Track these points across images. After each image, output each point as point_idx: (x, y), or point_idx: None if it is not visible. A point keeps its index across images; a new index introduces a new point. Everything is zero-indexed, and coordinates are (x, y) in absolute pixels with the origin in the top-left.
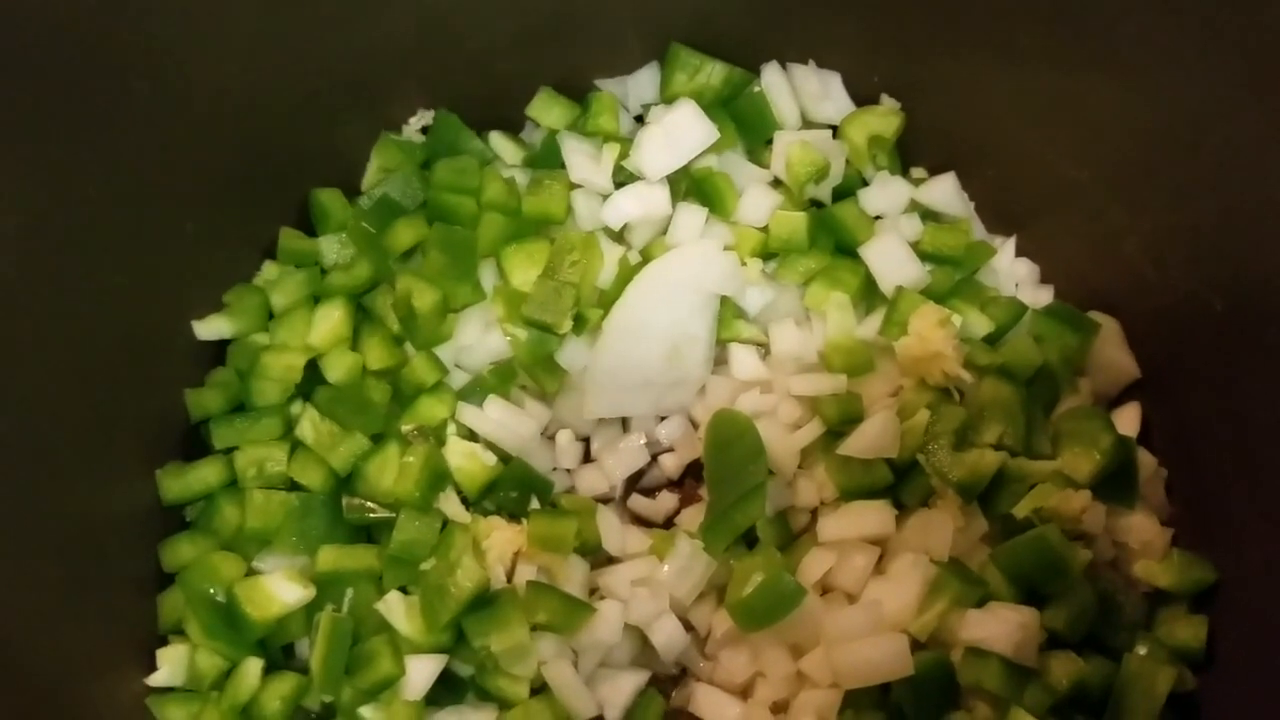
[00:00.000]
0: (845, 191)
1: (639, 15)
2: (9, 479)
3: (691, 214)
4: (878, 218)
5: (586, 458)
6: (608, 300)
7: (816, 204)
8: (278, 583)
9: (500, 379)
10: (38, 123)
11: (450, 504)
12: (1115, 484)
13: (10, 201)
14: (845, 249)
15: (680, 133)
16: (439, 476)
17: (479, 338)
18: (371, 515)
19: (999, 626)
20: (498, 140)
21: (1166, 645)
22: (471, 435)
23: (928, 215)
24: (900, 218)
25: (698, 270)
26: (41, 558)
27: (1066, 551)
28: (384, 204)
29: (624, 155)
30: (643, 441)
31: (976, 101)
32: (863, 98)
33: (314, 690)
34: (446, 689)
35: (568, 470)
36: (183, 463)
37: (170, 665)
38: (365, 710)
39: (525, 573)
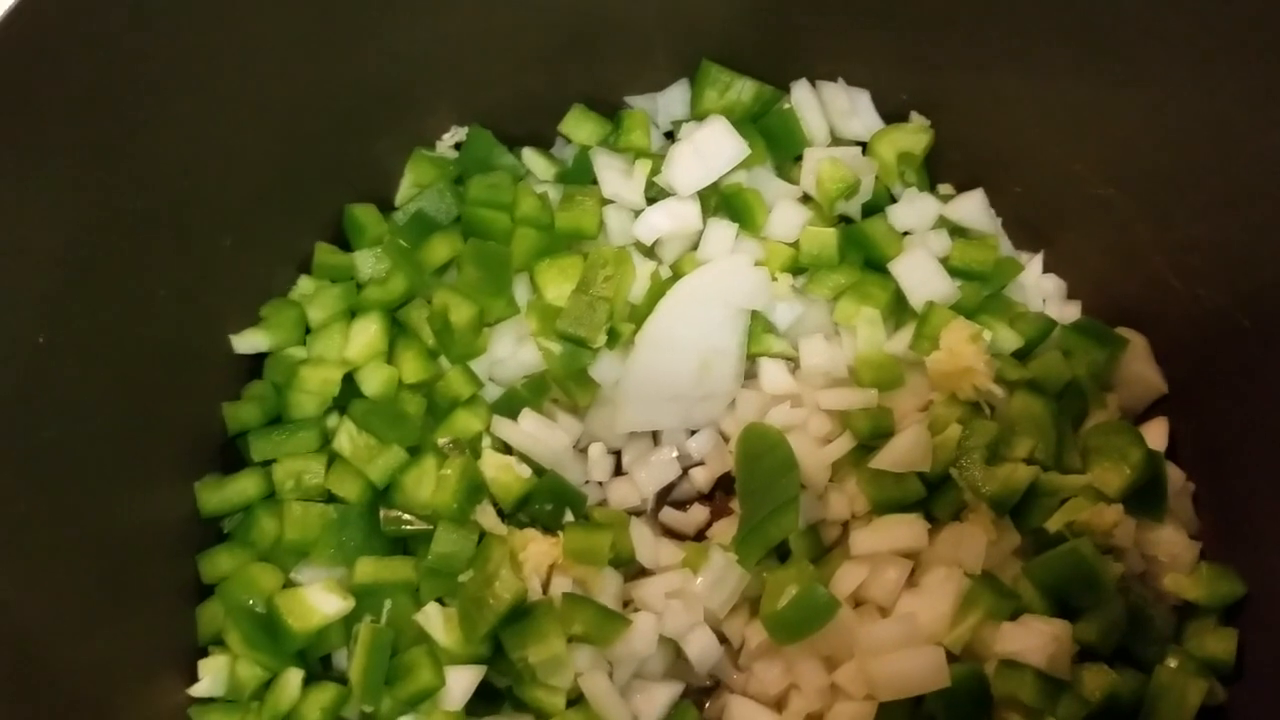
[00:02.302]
0: (873, 208)
1: (669, 33)
2: (50, 490)
3: (722, 229)
4: (906, 234)
5: (618, 471)
6: (639, 315)
7: (845, 220)
8: (318, 594)
9: (533, 392)
10: (81, 140)
11: (486, 516)
12: (1144, 498)
13: (57, 217)
14: (874, 264)
15: (711, 149)
16: (476, 489)
17: (512, 351)
18: (408, 527)
19: (1033, 639)
20: (530, 156)
21: (1196, 658)
22: (505, 448)
23: (955, 231)
24: (929, 234)
25: (728, 285)
26: (82, 569)
27: (1100, 565)
28: (418, 219)
29: (655, 171)
30: (674, 455)
31: (1003, 118)
32: (891, 114)
33: (354, 701)
34: (483, 700)
35: (599, 483)
36: (221, 475)
37: (211, 676)
38: None
39: (560, 585)
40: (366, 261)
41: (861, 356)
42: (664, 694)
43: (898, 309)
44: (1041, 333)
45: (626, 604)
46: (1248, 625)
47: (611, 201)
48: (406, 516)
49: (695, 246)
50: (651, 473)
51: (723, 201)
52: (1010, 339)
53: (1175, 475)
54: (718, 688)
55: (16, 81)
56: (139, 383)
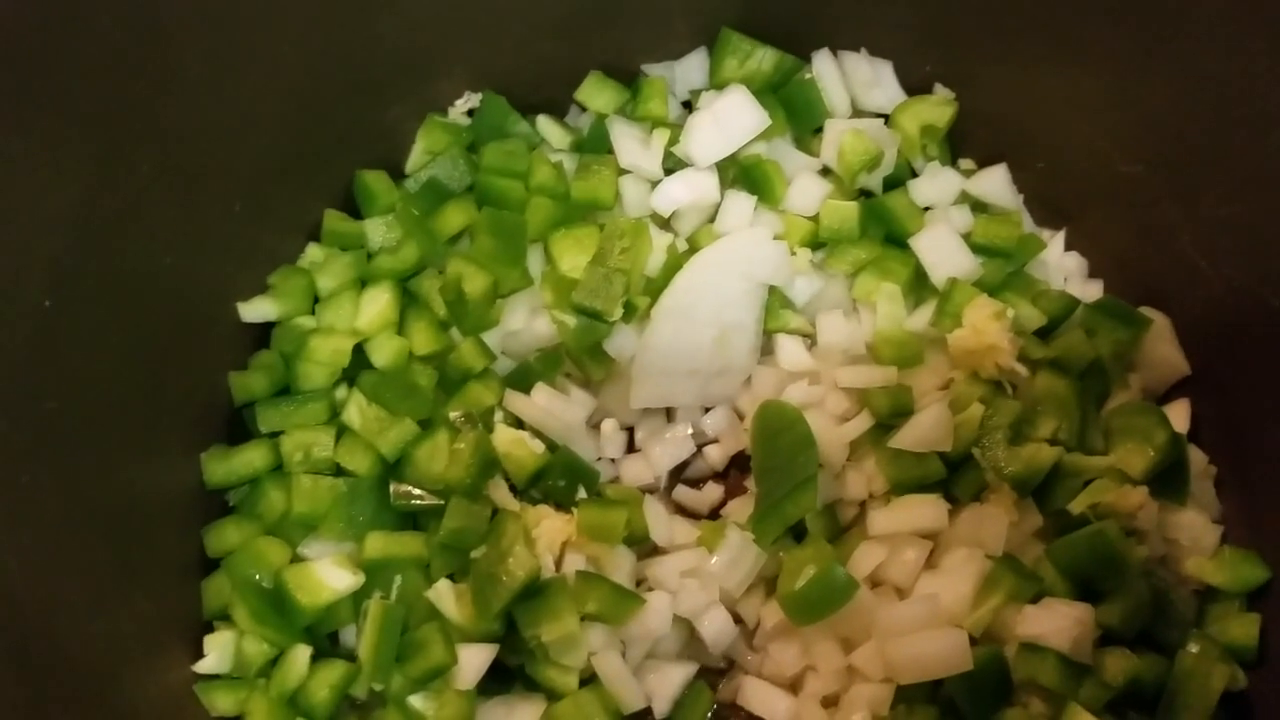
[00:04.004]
0: (894, 181)
1: None
2: (57, 460)
3: (740, 202)
4: (927, 209)
5: (630, 448)
6: (655, 288)
7: (865, 193)
8: (327, 569)
9: (547, 366)
10: (91, 102)
11: (499, 492)
12: (1166, 480)
13: (65, 181)
14: (895, 239)
15: (730, 119)
16: (489, 463)
17: (526, 323)
18: (419, 502)
19: (1055, 622)
20: (544, 124)
21: (1219, 643)
22: (518, 423)
23: (977, 207)
24: (950, 209)
25: (746, 259)
26: (86, 541)
27: (1124, 548)
28: (431, 186)
29: (673, 141)
30: (688, 432)
31: (1028, 92)
32: (914, 87)
33: (363, 678)
34: (494, 678)
35: (612, 460)
36: (227, 446)
37: (217, 652)
38: (415, 699)
39: (573, 562)
40: (377, 229)
41: (881, 333)
42: (678, 674)
43: (918, 285)
44: (1064, 311)
45: (640, 583)
46: (1271, 610)
47: (628, 172)
48: (417, 491)
49: (713, 219)
50: (665, 450)
51: (741, 173)
52: (1033, 317)
53: (1197, 458)
54: (731, 668)
55: (26, 44)
56: (144, 351)
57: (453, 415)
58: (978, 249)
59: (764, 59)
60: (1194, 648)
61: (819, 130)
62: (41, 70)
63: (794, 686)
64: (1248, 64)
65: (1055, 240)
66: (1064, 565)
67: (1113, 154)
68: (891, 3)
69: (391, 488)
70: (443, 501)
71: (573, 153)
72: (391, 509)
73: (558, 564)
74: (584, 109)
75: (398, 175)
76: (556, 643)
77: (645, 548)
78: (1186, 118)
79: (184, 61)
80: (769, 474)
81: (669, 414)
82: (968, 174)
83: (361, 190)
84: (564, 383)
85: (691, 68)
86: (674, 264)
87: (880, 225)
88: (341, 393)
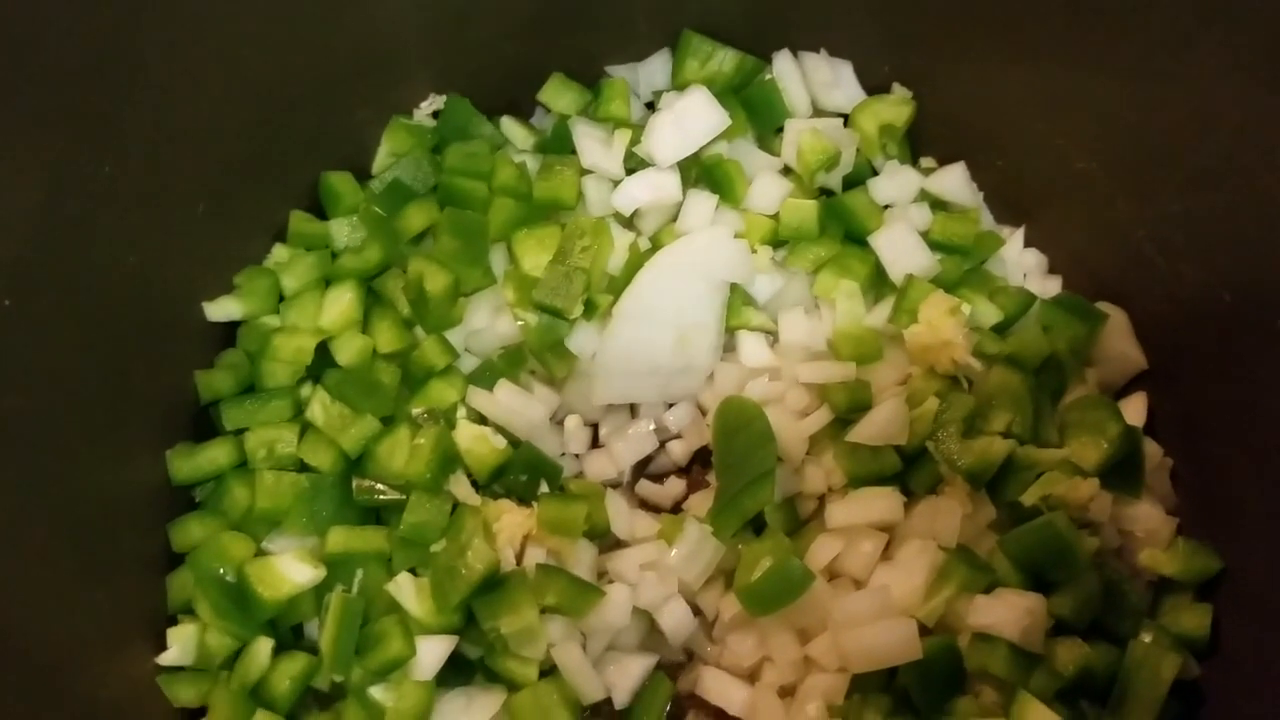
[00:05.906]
0: (854, 180)
1: (651, 1)
2: (20, 458)
3: (702, 201)
4: (887, 207)
5: (595, 443)
6: (617, 286)
7: (826, 192)
8: (289, 563)
9: (510, 363)
10: (54, 103)
11: (460, 487)
12: (1121, 473)
13: (27, 180)
14: (855, 237)
15: (692, 119)
16: (449, 459)
17: (489, 322)
18: (381, 497)
19: (1007, 612)
20: (508, 125)
21: (1171, 633)
22: (481, 419)
23: (937, 205)
24: (910, 207)
25: (708, 257)
26: (52, 537)
27: (1075, 539)
28: (395, 187)
29: (635, 141)
30: (651, 428)
31: (987, 91)
32: (873, 87)
33: (324, 670)
34: (454, 670)
35: (576, 455)
36: (193, 443)
37: (180, 644)
38: (375, 690)
39: (534, 556)
40: (342, 230)
41: (840, 330)
42: (638, 666)
43: (877, 282)
44: (1021, 307)
45: (601, 576)
46: (1223, 601)
47: (590, 172)
48: (379, 486)
49: (675, 218)
50: (628, 445)
51: (703, 172)
52: (990, 313)
53: (1153, 451)
54: (691, 660)
55: None
56: (110, 350)
57: (415, 412)
58: (936, 246)
59: (725, 60)
60: (1146, 638)
61: (780, 130)
62: (1, 70)
63: (751, 677)
64: (1200, 62)
65: (1014, 237)
66: (1016, 556)
67: (1070, 152)
68: (851, 4)
69: (354, 483)
70: (404, 496)
71: (536, 153)
72: (354, 504)
73: (519, 558)
74: (548, 110)
75: (363, 176)
76: (516, 635)
77: (607, 542)
78: (1141, 116)
79: (147, 62)
80: (729, 469)
81: (633, 410)
82: (927, 172)
83: (327, 191)
84: (528, 380)
85: (654, 69)
86: (636, 262)
87: (840, 223)
88: (306, 390)
